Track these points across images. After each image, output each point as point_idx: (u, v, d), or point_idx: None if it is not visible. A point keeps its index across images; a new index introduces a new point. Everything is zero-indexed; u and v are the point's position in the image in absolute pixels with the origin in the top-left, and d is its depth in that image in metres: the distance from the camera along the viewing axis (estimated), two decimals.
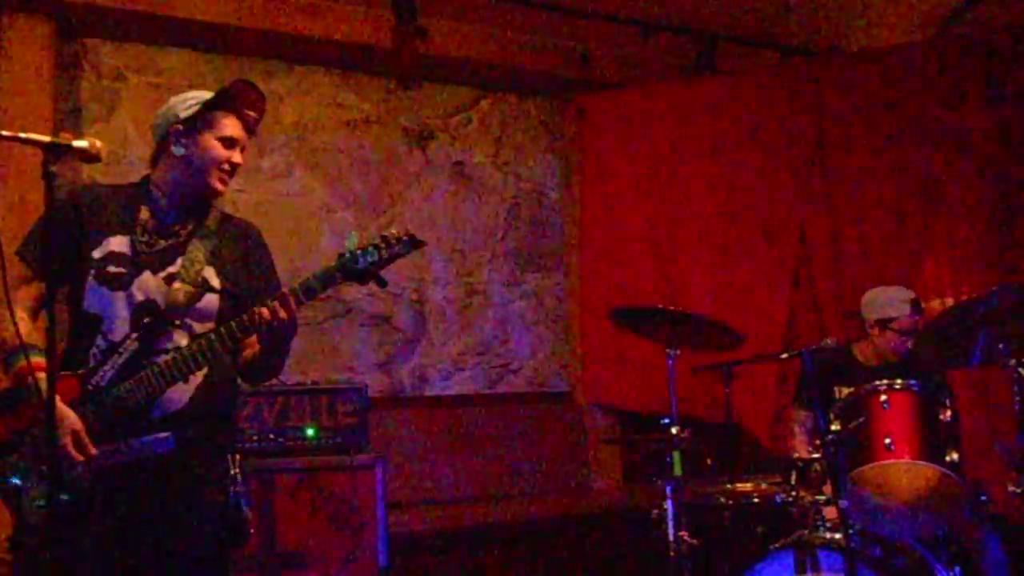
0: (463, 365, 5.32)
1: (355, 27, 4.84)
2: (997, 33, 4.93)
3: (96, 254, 2.42)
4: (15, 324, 2.26)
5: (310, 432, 3.96)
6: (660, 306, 3.74)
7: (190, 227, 2.51)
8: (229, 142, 2.50)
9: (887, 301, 3.99)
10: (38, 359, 2.25)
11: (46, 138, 2.14)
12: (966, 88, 4.95)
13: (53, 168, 2.10)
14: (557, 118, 5.72)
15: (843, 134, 5.16)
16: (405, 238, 2.27)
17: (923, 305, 4.00)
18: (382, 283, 2.32)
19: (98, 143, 2.21)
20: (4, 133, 2.16)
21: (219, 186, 2.51)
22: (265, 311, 2.30)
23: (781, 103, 5.26)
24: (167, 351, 2.37)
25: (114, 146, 4.44)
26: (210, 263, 2.48)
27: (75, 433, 2.25)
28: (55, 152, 2.12)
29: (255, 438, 3.90)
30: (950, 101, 4.97)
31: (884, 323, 3.97)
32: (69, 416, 2.26)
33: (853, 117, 5.14)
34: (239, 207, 4.59)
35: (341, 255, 2.30)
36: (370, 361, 5.06)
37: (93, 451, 2.26)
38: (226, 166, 2.50)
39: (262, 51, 4.86)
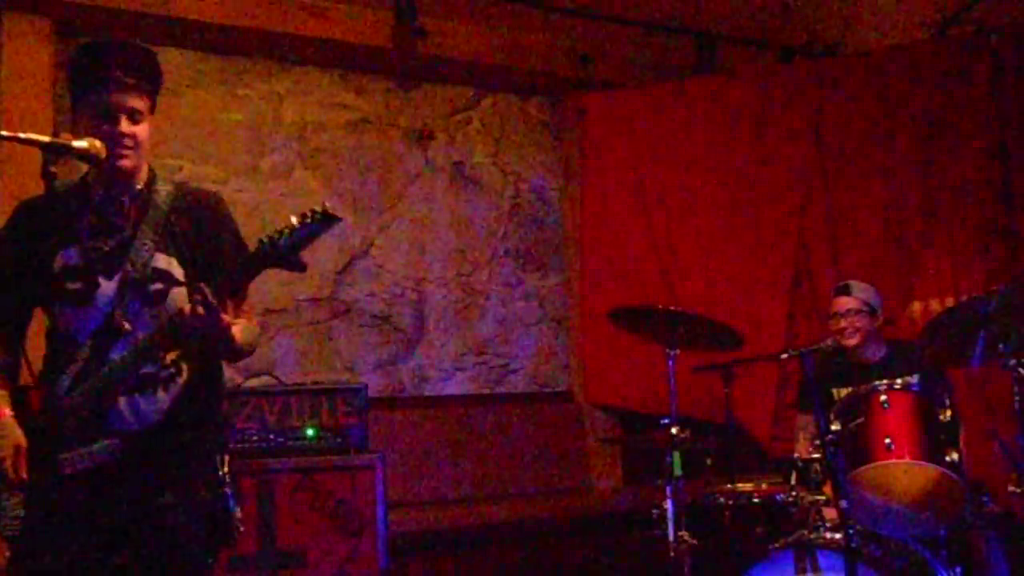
0: (463, 365, 5.32)
1: (355, 27, 4.84)
2: (997, 33, 4.93)
3: (56, 268, 2.33)
4: None
5: (310, 432, 3.96)
6: (660, 306, 3.75)
7: (134, 216, 2.37)
8: (107, 116, 2.30)
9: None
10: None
11: (46, 138, 2.14)
12: (966, 88, 4.94)
13: (53, 168, 2.10)
14: (557, 118, 5.72)
15: (843, 134, 5.15)
16: (320, 214, 2.10)
17: (850, 285, 4.03)
18: (302, 268, 2.17)
19: (98, 143, 2.21)
20: (4, 133, 2.16)
21: (122, 163, 2.31)
22: (186, 309, 2.18)
23: (781, 103, 5.26)
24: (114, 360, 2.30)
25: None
26: (163, 251, 2.36)
27: (17, 449, 2.21)
28: (55, 152, 2.11)
29: (255, 438, 3.91)
30: (950, 101, 4.97)
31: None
32: (13, 434, 2.22)
33: (853, 117, 5.14)
34: (239, 207, 4.59)
35: (260, 240, 2.16)
36: (370, 361, 5.06)
37: (24, 476, 2.20)
38: (111, 142, 2.28)
39: (262, 51, 4.86)
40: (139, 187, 2.40)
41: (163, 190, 2.43)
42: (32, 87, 4.22)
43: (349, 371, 4.97)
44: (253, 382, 4.57)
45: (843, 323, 3.96)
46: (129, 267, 2.33)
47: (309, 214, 2.10)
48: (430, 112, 5.34)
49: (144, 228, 2.36)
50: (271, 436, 3.93)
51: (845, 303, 3.97)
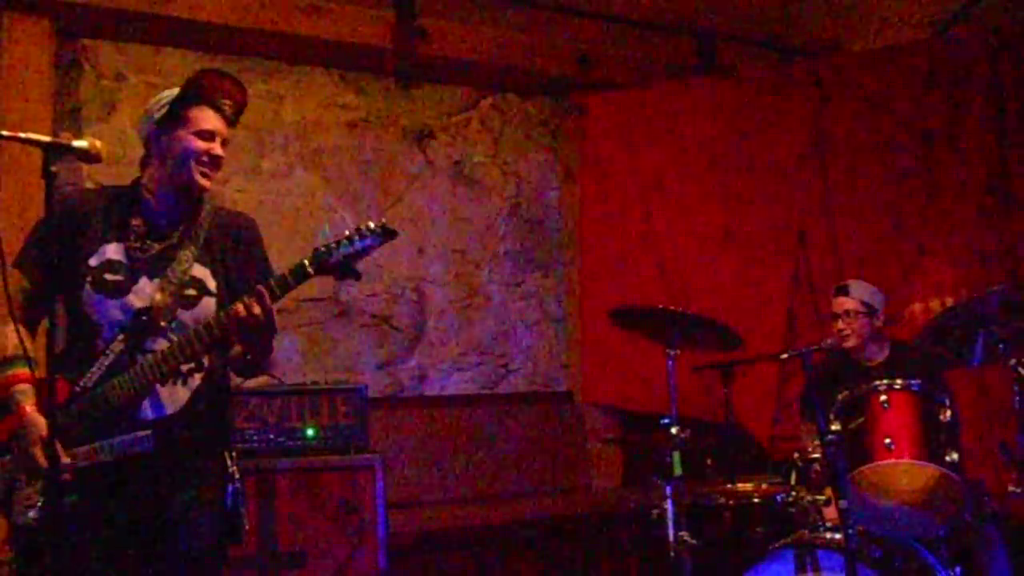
0: (463, 365, 5.32)
1: (355, 27, 4.84)
2: (997, 33, 4.93)
3: (92, 262, 2.42)
4: (17, 335, 2.31)
5: (310, 432, 3.96)
6: (660, 306, 3.74)
7: (182, 227, 2.50)
8: (206, 135, 2.46)
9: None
10: (19, 370, 2.34)
11: (46, 138, 2.15)
12: (966, 88, 4.94)
13: (53, 168, 2.10)
14: (557, 118, 5.72)
15: (843, 134, 5.15)
16: (377, 229, 2.25)
17: (848, 285, 4.02)
18: (356, 276, 2.29)
19: (98, 143, 2.22)
20: (4, 133, 2.17)
21: (201, 180, 2.47)
22: (240, 307, 2.28)
23: (781, 103, 5.26)
24: (153, 353, 2.37)
25: (114, 146, 4.42)
26: (201, 263, 2.47)
27: (42, 441, 2.24)
28: (55, 152, 2.12)
29: (255, 438, 3.91)
30: (950, 101, 4.97)
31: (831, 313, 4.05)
32: (38, 424, 2.26)
33: (853, 117, 5.14)
34: (239, 207, 4.58)
35: (316, 249, 2.28)
36: (370, 361, 5.06)
37: (65, 458, 2.23)
38: (205, 159, 2.46)
39: (262, 51, 4.86)
40: (189, 203, 2.52)
41: (206, 209, 2.55)
42: (32, 87, 4.22)
43: (349, 371, 4.97)
44: (253, 382, 4.57)
45: (841, 324, 3.95)
46: (170, 271, 2.43)
47: (366, 227, 2.25)
48: (430, 112, 5.34)
49: (187, 240, 2.48)
50: (271, 436, 3.93)
51: (843, 304, 3.96)
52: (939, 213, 4.95)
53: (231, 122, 2.53)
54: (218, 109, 2.50)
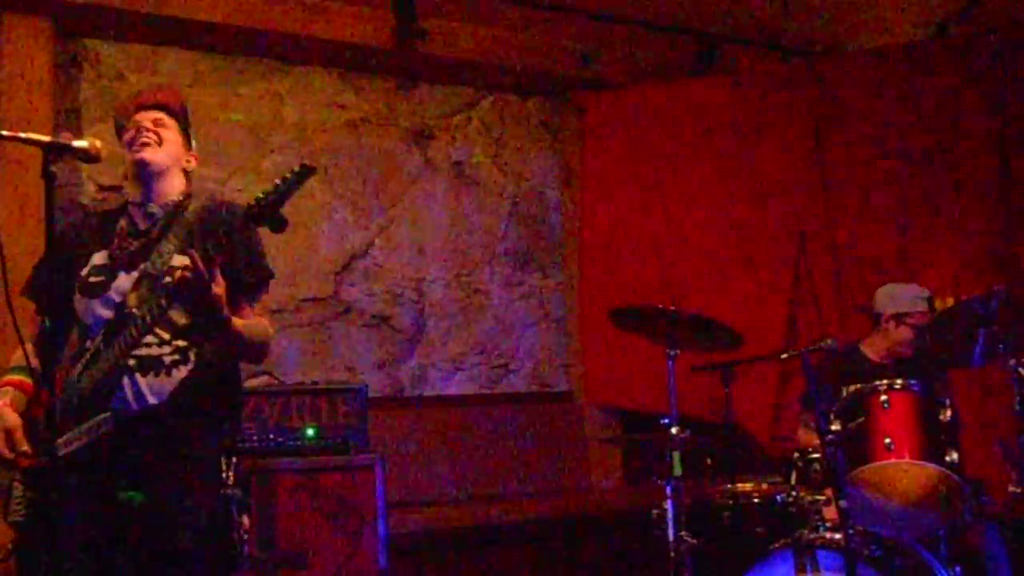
0: (463, 365, 5.31)
1: (355, 27, 4.84)
2: (997, 33, 4.93)
3: (83, 272, 2.51)
4: (23, 351, 2.40)
5: (310, 432, 3.97)
6: (660, 306, 3.74)
7: (162, 223, 2.54)
8: (132, 128, 2.59)
9: (904, 296, 4.04)
10: (13, 377, 2.47)
11: (46, 138, 2.15)
12: (966, 88, 4.94)
13: (53, 168, 2.11)
14: (557, 118, 5.71)
15: (843, 134, 5.15)
16: (297, 170, 2.29)
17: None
18: (281, 223, 2.30)
19: (98, 143, 2.23)
20: (4, 133, 2.18)
21: (140, 155, 2.55)
22: (177, 273, 2.30)
23: (781, 103, 5.26)
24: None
25: (114, 146, 4.43)
26: (183, 252, 2.44)
27: (6, 432, 2.34)
28: (55, 152, 2.13)
29: (255, 438, 3.91)
30: (950, 101, 4.97)
31: (900, 317, 3.99)
32: (5, 417, 2.35)
33: (853, 117, 5.14)
34: None
35: (248, 204, 2.30)
36: (370, 361, 5.06)
37: (25, 448, 2.33)
38: (133, 139, 2.56)
39: (262, 51, 4.86)
40: (172, 199, 2.59)
41: (195, 205, 2.60)
42: (32, 87, 4.21)
43: (349, 371, 4.97)
44: (253, 382, 4.56)
45: (914, 335, 3.93)
46: (148, 264, 2.47)
47: (288, 171, 2.30)
48: (430, 112, 5.34)
49: (170, 235, 2.52)
50: (271, 436, 3.93)
51: (929, 318, 3.94)
52: (939, 213, 4.95)
53: (169, 110, 2.62)
54: (141, 106, 2.61)
